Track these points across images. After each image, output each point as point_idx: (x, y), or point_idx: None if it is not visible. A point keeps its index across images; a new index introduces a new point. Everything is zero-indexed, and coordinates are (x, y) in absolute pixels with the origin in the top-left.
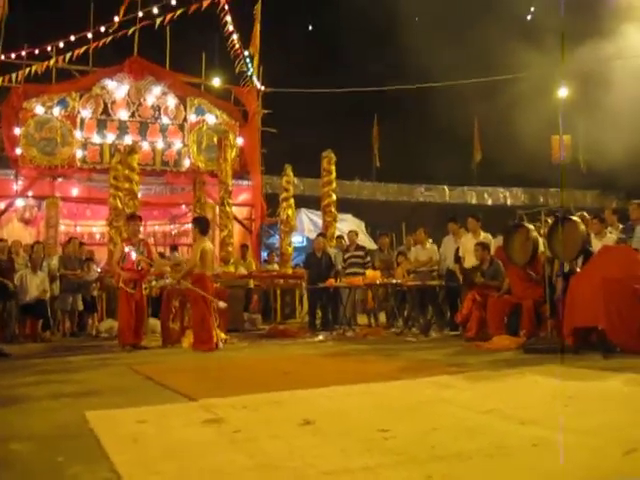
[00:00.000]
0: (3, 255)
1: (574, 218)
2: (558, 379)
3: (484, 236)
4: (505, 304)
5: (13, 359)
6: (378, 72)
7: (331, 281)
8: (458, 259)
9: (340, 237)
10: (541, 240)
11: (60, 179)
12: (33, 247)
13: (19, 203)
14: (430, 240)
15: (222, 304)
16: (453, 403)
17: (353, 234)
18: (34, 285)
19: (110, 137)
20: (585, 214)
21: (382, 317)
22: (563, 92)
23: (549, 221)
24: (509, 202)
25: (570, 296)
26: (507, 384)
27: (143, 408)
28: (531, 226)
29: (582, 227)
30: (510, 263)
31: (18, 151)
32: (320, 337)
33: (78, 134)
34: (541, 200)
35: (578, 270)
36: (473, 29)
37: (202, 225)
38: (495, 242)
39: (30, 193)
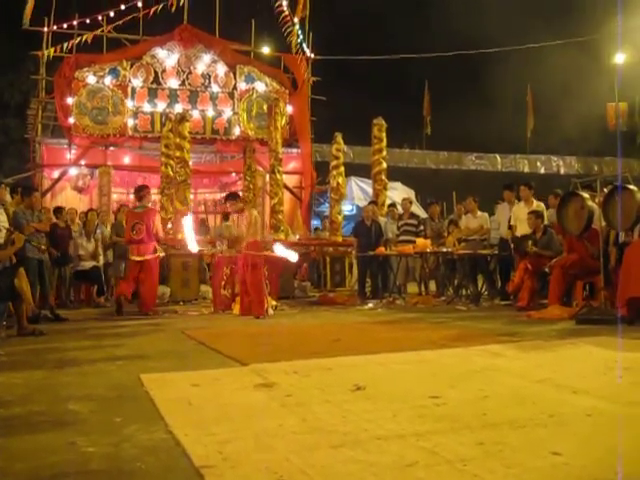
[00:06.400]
0: (62, 222)
1: (631, 187)
2: (612, 350)
3: (537, 204)
4: (569, 276)
5: (69, 323)
6: (429, 38)
7: (381, 249)
8: (510, 227)
9: (392, 205)
10: (597, 209)
11: (112, 148)
12: (87, 214)
13: (72, 172)
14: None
15: None
16: (505, 372)
17: (407, 202)
18: (88, 252)
19: (161, 106)
20: None
21: (432, 286)
22: (620, 58)
23: (605, 190)
24: (562, 171)
25: (625, 266)
26: (560, 354)
27: (196, 372)
28: (586, 194)
29: (638, 196)
30: (564, 232)
31: (71, 120)
32: (370, 305)
33: (129, 103)
34: (595, 169)
35: (634, 240)
36: None
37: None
38: (548, 212)
39: (83, 162)
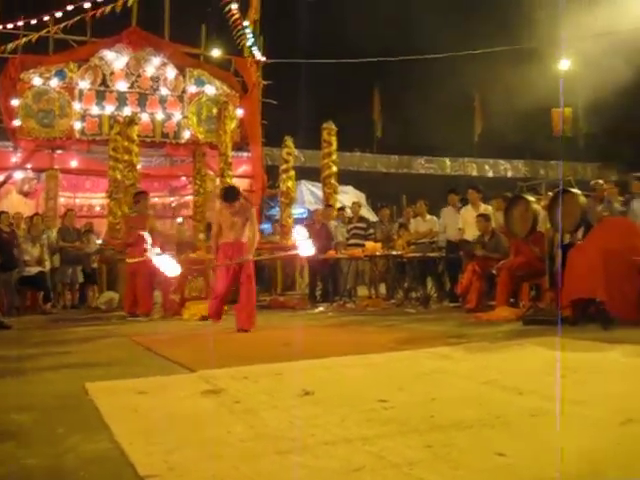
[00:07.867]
0: (6, 226)
1: (574, 190)
2: (557, 350)
3: (484, 208)
4: (516, 277)
5: (14, 331)
6: (380, 42)
7: (331, 252)
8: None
9: (342, 209)
10: (542, 212)
11: (59, 151)
12: (32, 219)
13: (18, 175)
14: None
15: None
16: (452, 374)
17: (356, 206)
18: (33, 257)
19: (109, 108)
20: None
21: (382, 289)
22: (564, 64)
23: (550, 193)
24: (510, 174)
25: (569, 268)
26: (506, 355)
27: (143, 379)
28: (531, 197)
29: (582, 199)
30: (510, 235)
31: (16, 123)
32: (320, 308)
33: (76, 105)
34: (541, 173)
35: (578, 242)
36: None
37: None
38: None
39: (29, 165)
